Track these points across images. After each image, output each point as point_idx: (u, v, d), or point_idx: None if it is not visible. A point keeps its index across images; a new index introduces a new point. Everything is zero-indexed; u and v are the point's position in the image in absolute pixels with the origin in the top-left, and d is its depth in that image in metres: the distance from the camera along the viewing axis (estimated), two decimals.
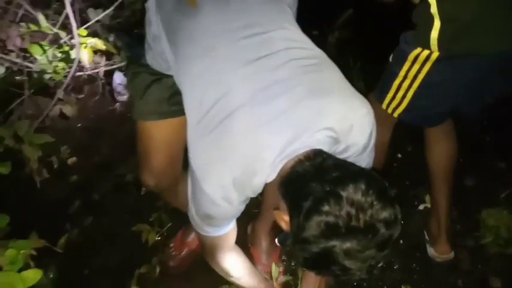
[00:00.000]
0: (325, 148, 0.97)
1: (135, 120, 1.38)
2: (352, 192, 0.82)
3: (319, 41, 2.56)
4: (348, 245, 0.82)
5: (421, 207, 1.95)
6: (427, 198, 1.93)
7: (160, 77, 1.28)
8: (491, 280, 1.72)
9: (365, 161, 1.08)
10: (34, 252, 1.46)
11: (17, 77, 2.01)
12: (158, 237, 1.82)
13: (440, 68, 1.34)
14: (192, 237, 1.79)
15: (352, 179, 0.84)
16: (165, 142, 1.38)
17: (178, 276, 1.77)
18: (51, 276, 1.72)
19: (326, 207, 0.82)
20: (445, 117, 1.57)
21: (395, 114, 1.50)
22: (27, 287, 1.29)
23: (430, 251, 1.77)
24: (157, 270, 1.74)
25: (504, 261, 1.76)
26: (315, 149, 0.94)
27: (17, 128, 1.86)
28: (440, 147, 1.67)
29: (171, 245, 1.83)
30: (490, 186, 2.01)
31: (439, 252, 1.73)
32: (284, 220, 0.94)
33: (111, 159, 2.14)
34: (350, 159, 1.02)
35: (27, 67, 1.99)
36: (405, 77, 1.39)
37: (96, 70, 2.22)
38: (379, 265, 0.86)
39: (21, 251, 1.34)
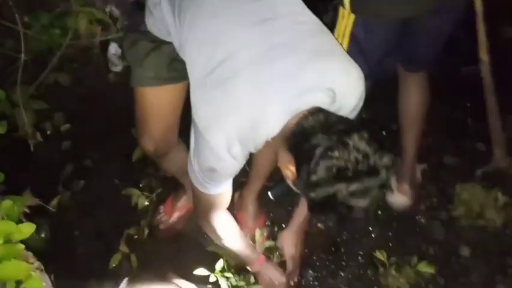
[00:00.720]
0: (324, 107, 1.05)
1: (133, 88, 1.43)
2: (357, 141, 0.93)
3: None
4: (354, 186, 0.93)
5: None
6: None
7: (159, 44, 1.33)
8: (461, 249, 1.82)
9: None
10: (27, 210, 1.53)
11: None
12: (147, 202, 1.89)
13: (359, 27, 1.43)
14: (182, 202, 1.87)
15: (355, 130, 0.96)
16: (164, 108, 1.44)
17: (166, 238, 1.85)
18: (43, 236, 1.80)
19: (336, 153, 0.93)
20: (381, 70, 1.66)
21: None
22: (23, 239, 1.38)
23: (390, 198, 1.90)
24: (146, 232, 1.82)
25: (474, 232, 1.86)
26: (317, 107, 1.03)
27: (12, 92, 1.92)
28: (409, 99, 1.80)
29: (161, 209, 1.90)
30: (467, 165, 2.10)
31: (396, 196, 1.88)
32: (290, 170, 1.03)
33: (104, 127, 2.20)
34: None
35: (24, 33, 2.03)
36: (338, 35, 1.48)
37: (92, 40, 2.26)
38: None
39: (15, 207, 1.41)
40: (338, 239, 1.84)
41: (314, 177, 0.95)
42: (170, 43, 1.28)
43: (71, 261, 1.74)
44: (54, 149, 2.10)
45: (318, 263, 1.79)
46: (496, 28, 2.75)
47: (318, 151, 0.95)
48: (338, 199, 0.95)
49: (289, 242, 1.64)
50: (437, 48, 1.67)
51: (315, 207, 1.02)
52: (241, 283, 1.65)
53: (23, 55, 1.96)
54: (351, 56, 1.15)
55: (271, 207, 1.92)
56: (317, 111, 1.02)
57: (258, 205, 1.84)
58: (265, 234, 1.78)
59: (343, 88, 1.08)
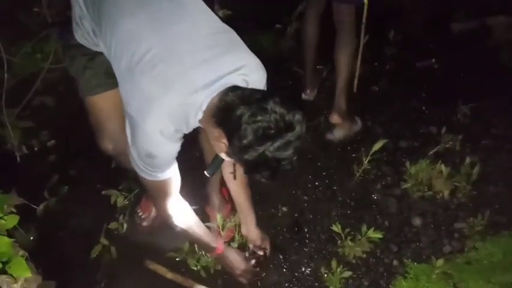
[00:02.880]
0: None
1: (82, 100, 1.60)
2: (273, 105, 1.12)
3: (282, 32, 2.92)
4: (278, 142, 1.11)
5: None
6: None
7: (93, 57, 1.50)
8: (413, 220, 1.97)
9: None
10: (14, 210, 1.71)
11: None
12: (126, 201, 2.06)
13: None
14: None
15: (269, 96, 1.15)
16: (113, 110, 1.57)
17: (144, 232, 2.02)
18: (32, 238, 1.98)
19: (259, 117, 1.11)
20: None
21: None
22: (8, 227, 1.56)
23: (329, 135, 2.35)
24: (125, 226, 1.98)
25: (424, 203, 2.03)
26: (234, 85, 1.22)
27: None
28: (341, 42, 2.24)
29: (138, 210, 2.06)
30: (419, 147, 2.28)
31: (332, 120, 2.29)
32: (222, 142, 1.20)
33: (87, 142, 2.39)
34: None
35: (9, 59, 2.26)
36: None
37: None
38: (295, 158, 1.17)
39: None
40: (301, 220, 2.01)
41: (245, 141, 1.12)
42: (102, 53, 1.44)
43: (57, 254, 1.89)
44: (41, 162, 2.29)
45: (282, 243, 1.94)
46: (447, 24, 2.99)
47: (244, 119, 1.13)
48: (267, 155, 1.12)
49: (252, 235, 1.78)
50: None
51: (250, 168, 1.20)
52: (210, 263, 1.81)
53: (6, 79, 2.18)
54: None
55: None
56: (235, 89, 1.20)
57: (221, 197, 2.00)
58: (228, 220, 1.92)
59: (254, 74, 1.29)
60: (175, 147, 1.31)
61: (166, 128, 1.23)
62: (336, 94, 2.28)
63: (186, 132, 1.31)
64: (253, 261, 1.74)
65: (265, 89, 1.36)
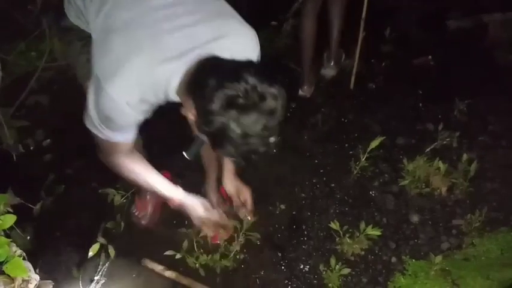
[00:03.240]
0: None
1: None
2: (247, 74, 1.03)
3: (277, 29, 2.92)
4: (245, 114, 1.02)
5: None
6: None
7: (87, 42, 1.42)
8: (411, 216, 1.98)
9: None
10: (10, 209, 1.70)
11: None
12: (123, 199, 2.05)
13: None
14: (148, 195, 2.01)
15: (244, 66, 1.07)
16: None
17: (141, 230, 2.01)
18: (28, 237, 1.96)
19: (228, 84, 1.02)
20: None
21: None
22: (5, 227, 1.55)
23: (323, 71, 2.69)
24: (122, 225, 1.97)
25: (422, 200, 2.03)
26: (214, 55, 1.13)
27: None
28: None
29: (134, 209, 2.05)
30: (416, 144, 2.29)
31: (327, 70, 2.66)
32: (192, 113, 1.11)
33: (83, 141, 2.37)
34: None
35: (4, 58, 2.25)
36: None
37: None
38: (273, 139, 1.08)
39: None
40: (299, 217, 2.01)
41: (209, 107, 1.03)
42: None
43: (54, 254, 1.89)
44: (37, 161, 2.28)
45: (281, 240, 1.94)
46: (443, 22, 3.00)
47: (211, 86, 1.04)
48: (232, 128, 1.03)
49: (228, 184, 1.69)
50: None
51: (215, 141, 1.09)
52: (210, 262, 1.80)
53: (0, 78, 2.16)
54: None
55: None
56: (213, 58, 1.12)
57: (219, 195, 1.99)
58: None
59: (239, 45, 1.19)
60: (136, 117, 1.22)
61: (131, 95, 1.15)
62: (331, 46, 2.59)
63: (156, 104, 1.21)
64: (220, 212, 1.53)
65: (255, 56, 1.25)
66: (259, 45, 1.29)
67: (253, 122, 1.03)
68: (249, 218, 1.75)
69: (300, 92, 2.58)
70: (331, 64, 2.69)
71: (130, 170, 1.43)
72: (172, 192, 1.48)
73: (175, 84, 1.15)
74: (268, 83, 1.04)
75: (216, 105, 1.02)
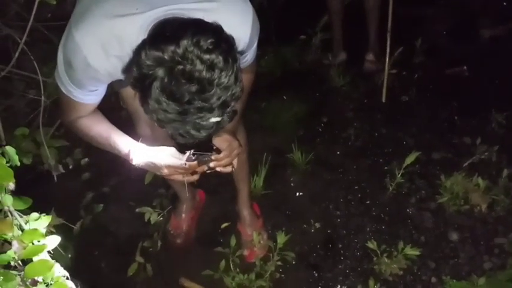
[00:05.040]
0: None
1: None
2: (185, 42, 0.95)
3: (306, 43, 2.93)
4: (170, 78, 0.95)
5: None
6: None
7: None
8: (450, 235, 1.93)
9: (251, 54, 1.28)
10: (53, 230, 1.75)
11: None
12: (160, 217, 2.08)
13: None
14: (184, 214, 2.05)
15: (189, 30, 0.97)
16: None
17: (178, 249, 2.03)
18: (70, 256, 2.02)
19: (160, 45, 0.95)
20: None
21: None
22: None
23: (364, 66, 2.76)
24: (159, 244, 2.01)
25: (461, 217, 1.98)
26: (177, 17, 1.06)
27: (36, 134, 2.20)
28: None
29: (169, 227, 2.08)
30: (453, 159, 2.24)
31: (367, 64, 2.74)
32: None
33: (119, 159, 2.44)
34: (246, 58, 1.25)
35: (44, 81, 2.33)
36: None
37: None
38: (211, 120, 1.00)
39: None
40: (334, 236, 1.99)
41: (141, 63, 0.97)
42: None
43: (94, 273, 1.93)
44: (75, 180, 2.34)
45: (316, 260, 1.93)
46: (474, 31, 2.94)
47: (147, 42, 1.00)
48: (155, 86, 0.96)
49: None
50: None
51: (143, 98, 1.02)
52: (246, 281, 1.81)
53: (43, 101, 2.25)
54: None
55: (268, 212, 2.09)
56: (173, 18, 1.06)
57: (252, 212, 2.00)
58: (264, 236, 1.94)
59: (221, 12, 1.11)
60: (97, 73, 1.14)
61: (93, 41, 1.10)
62: (370, 37, 2.71)
63: (125, 61, 1.12)
64: (186, 156, 1.26)
65: (248, 43, 1.19)
66: (254, 21, 1.20)
67: (177, 88, 0.96)
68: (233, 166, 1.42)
69: (334, 59, 2.77)
70: (370, 57, 2.75)
71: (87, 134, 1.38)
72: (127, 150, 1.36)
73: (139, 40, 1.07)
74: (208, 50, 0.95)
75: (146, 62, 0.97)
